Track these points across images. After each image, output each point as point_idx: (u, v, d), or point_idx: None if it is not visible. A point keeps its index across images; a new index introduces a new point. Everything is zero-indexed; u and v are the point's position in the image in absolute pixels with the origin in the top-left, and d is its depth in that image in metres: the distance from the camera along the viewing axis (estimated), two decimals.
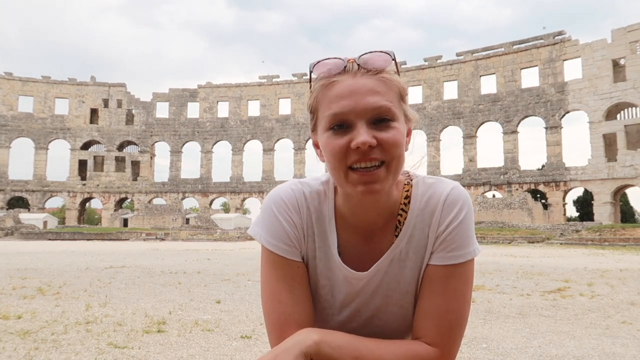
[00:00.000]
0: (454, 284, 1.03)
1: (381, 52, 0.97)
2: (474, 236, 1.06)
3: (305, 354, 0.91)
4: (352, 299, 1.10)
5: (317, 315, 1.12)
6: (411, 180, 1.10)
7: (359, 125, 0.93)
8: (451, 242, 1.03)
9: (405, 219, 1.06)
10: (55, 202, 69.03)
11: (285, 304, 1.03)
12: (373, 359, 0.95)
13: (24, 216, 54.04)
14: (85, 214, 68.09)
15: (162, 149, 68.62)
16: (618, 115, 46.68)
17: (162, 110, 66.46)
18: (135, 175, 65.13)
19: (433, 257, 1.05)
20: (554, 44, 49.79)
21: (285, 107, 64.50)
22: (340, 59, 0.97)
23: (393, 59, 0.98)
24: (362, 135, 0.92)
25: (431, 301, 1.03)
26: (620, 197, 48.42)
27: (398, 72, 1.00)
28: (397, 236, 1.07)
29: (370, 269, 1.07)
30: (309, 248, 1.09)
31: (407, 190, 1.08)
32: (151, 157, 66.51)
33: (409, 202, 1.07)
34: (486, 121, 53.67)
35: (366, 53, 0.97)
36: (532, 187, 50.10)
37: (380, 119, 0.94)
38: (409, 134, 1.01)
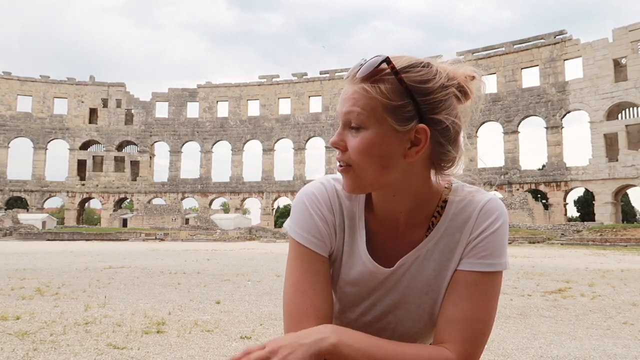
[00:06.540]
0: (481, 292, 1.03)
1: (375, 57, 0.98)
2: (507, 250, 1.07)
3: (320, 352, 0.91)
4: (371, 292, 1.12)
5: (334, 305, 1.14)
6: (452, 184, 1.11)
7: (340, 127, 1.02)
8: (482, 249, 1.04)
9: (438, 221, 1.09)
10: (54, 202, 69.07)
11: (306, 295, 1.04)
12: None
13: (23, 216, 54.04)
14: (84, 214, 68.09)
15: (162, 149, 68.76)
16: (619, 115, 46.68)
17: (162, 110, 66.52)
18: (135, 175, 65.11)
19: (462, 263, 1.06)
20: (555, 44, 49.78)
21: (285, 107, 64.51)
22: (363, 61, 0.99)
23: (381, 63, 0.96)
24: (334, 136, 1.01)
25: (457, 307, 1.03)
26: (621, 197, 48.40)
27: (397, 74, 0.96)
28: (427, 236, 1.09)
29: (395, 264, 1.09)
30: (338, 242, 1.12)
31: (447, 194, 1.10)
32: (150, 157, 66.51)
33: (445, 205, 1.09)
34: (486, 121, 53.67)
35: (371, 58, 0.99)
36: (533, 187, 50.10)
37: (351, 126, 1.00)
38: (416, 144, 0.99)
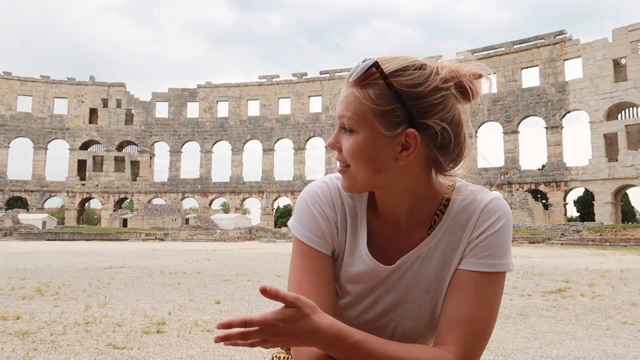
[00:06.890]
0: (482, 293, 1.02)
1: (365, 60, 0.98)
2: (510, 250, 1.06)
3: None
4: (373, 290, 1.12)
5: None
6: (455, 183, 1.11)
7: (337, 129, 1.04)
8: (483, 249, 1.03)
9: (440, 219, 1.08)
10: (54, 202, 69.07)
11: (308, 293, 1.03)
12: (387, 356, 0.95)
13: (23, 216, 54.04)
14: (84, 214, 68.05)
15: (162, 149, 68.67)
16: (619, 115, 46.68)
17: (162, 110, 66.50)
18: (135, 175, 65.10)
19: (463, 262, 1.05)
20: (555, 44, 49.76)
21: (285, 107, 64.50)
22: (359, 64, 1.00)
23: (370, 67, 0.96)
24: (331, 137, 1.04)
25: (457, 309, 1.02)
26: (621, 197, 48.38)
27: (385, 77, 0.96)
28: (429, 235, 1.09)
29: (396, 262, 1.09)
30: (341, 241, 1.13)
31: (449, 193, 1.10)
32: (150, 157, 66.49)
33: (448, 204, 1.08)
34: (486, 121, 53.65)
35: (363, 61, 0.99)
36: (533, 187, 50.08)
37: (345, 128, 1.01)
38: (407, 148, 0.98)
